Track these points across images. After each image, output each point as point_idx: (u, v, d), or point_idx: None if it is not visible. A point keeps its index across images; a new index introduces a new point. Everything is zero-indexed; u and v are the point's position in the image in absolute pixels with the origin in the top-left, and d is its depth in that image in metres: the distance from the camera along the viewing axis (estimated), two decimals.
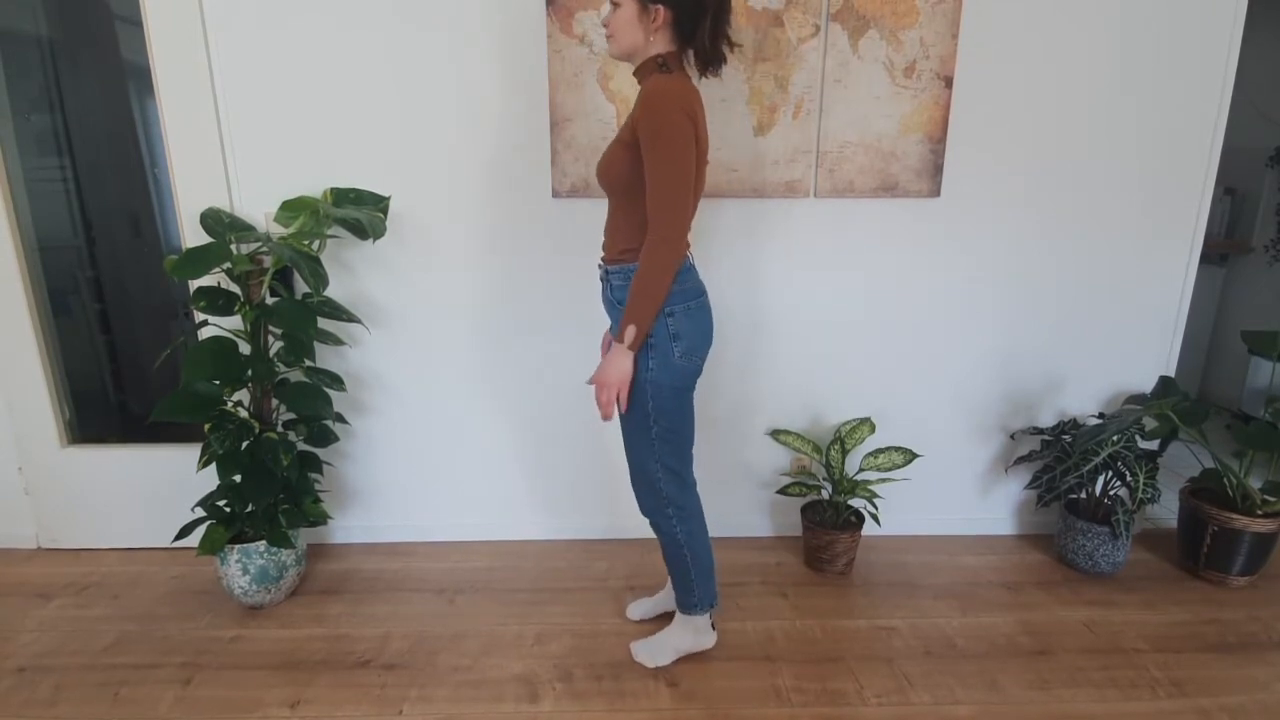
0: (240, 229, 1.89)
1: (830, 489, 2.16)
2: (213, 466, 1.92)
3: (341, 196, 1.94)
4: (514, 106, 1.97)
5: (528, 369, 2.18)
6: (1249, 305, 3.54)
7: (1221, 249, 3.54)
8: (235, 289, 1.88)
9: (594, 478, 2.29)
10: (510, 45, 1.92)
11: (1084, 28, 1.96)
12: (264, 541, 1.89)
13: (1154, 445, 2.20)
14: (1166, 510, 2.44)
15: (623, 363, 1.44)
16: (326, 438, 2.00)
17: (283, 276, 2.01)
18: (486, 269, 2.09)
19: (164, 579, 2.12)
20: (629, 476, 1.62)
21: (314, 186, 2.00)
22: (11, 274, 2.06)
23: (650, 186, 1.36)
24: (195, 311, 1.88)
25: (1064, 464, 2.08)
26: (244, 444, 1.84)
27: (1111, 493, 2.12)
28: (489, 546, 2.29)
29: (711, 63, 1.43)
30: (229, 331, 1.89)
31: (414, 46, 1.92)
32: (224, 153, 1.97)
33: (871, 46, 1.93)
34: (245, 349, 1.90)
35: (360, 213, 1.86)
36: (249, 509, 1.88)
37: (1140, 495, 2.00)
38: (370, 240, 1.97)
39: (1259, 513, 2.00)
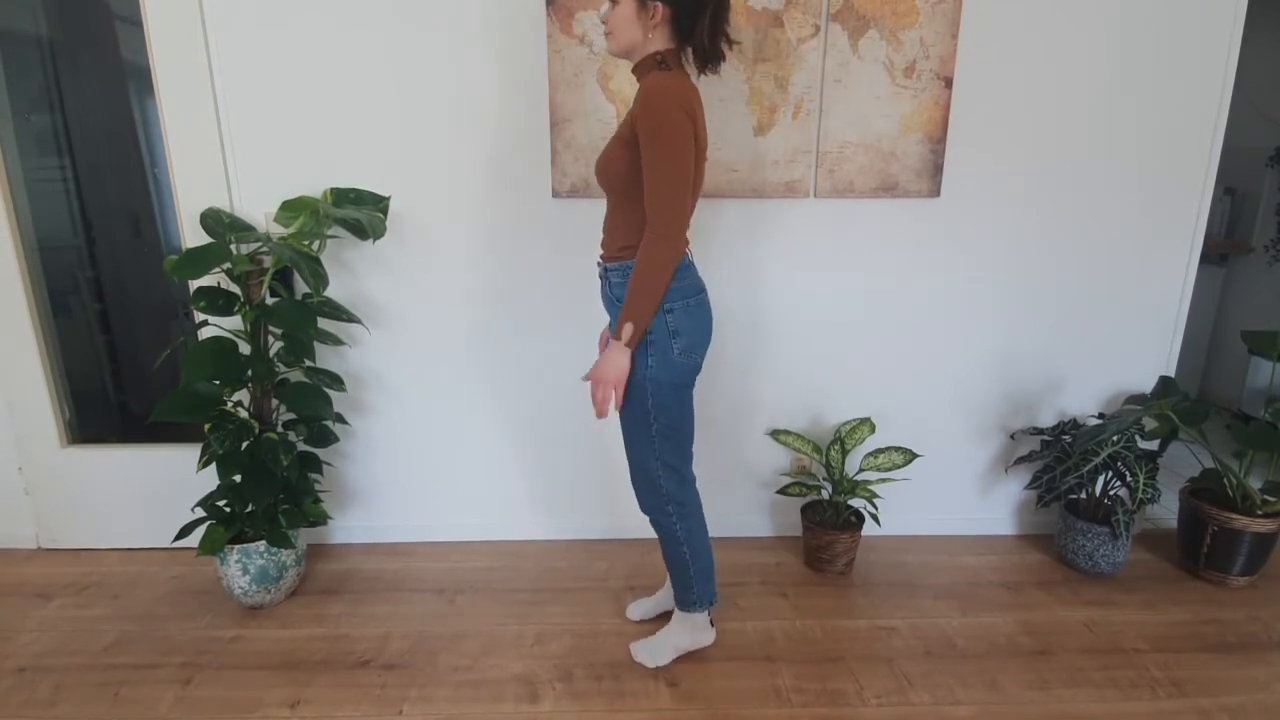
0: (240, 229, 1.89)
1: (830, 489, 2.16)
2: (213, 466, 1.92)
3: (341, 196, 1.94)
4: (514, 106, 1.97)
5: (527, 369, 2.18)
6: (1249, 305, 3.54)
7: (1221, 249, 3.54)
8: (235, 289, 1.88)
9: (594, 478, 2.29)
10: (510, 45, 1.92)
11: (1084, 28, 1.96)
12: (264, 542, 1.89)
13: (1154, 445, 2.21)
14: (1166, 510, 2.44)
15: (619, 359, 1.43)
16: (326, 438, 2.00)
17: (283, 276, 2.01)
18: (486, 269, 2.09)
19: (164, 579, 2.12)
20: (629, 474, 1.62)
21: (314, 186, 2.00)
22: (11, 274, 2.06)
23: (649, 183, 1.36)
24: (195, 311, 1.88)
25: (1064, 464, 2.08)
26: (244, 444, 1.84)
27: (1111, 493, 2.12)
28: (489, 546, 2.29)
29: (710, 60, 1.43)
30: (229, 331, 1.89)
31: (414, 46, 1.92)
32: (224, 153, 1.97)
33: (871, 46, 1.93)
34: (245, 349, 1.90)
35: (360, 213, 1.86)
36: (249, 509, 1.88)
37: (1140, 495, 2.00)
38: (370, 240, 1.97)
39: (1259, 513, 2.00)
